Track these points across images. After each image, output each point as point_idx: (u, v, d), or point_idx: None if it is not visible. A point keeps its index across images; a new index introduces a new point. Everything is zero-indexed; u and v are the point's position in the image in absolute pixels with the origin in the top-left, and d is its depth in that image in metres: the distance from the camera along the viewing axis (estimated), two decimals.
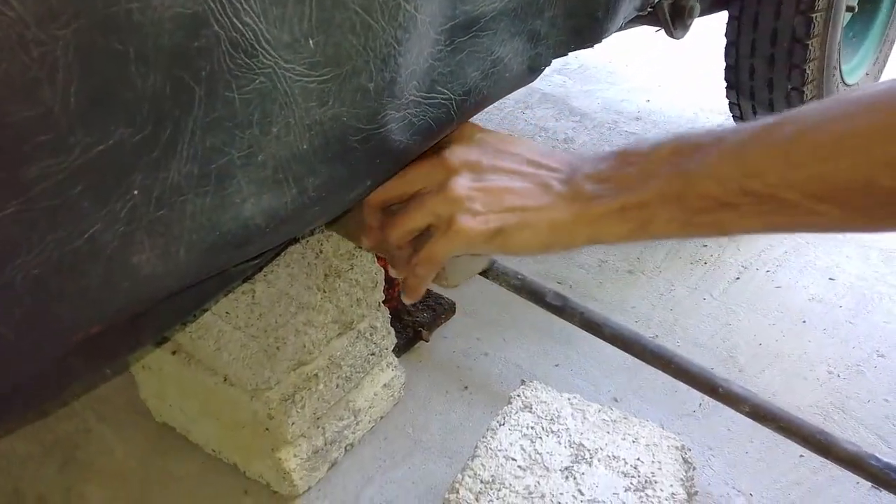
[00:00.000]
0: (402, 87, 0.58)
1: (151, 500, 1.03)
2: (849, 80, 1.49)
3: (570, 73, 1.96)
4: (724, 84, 1.41)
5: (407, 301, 0.76)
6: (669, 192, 0.60)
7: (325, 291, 0.96)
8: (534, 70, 0.74)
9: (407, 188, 0.69)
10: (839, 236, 1.45)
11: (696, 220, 0.60)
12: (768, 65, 1.30)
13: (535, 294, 0.98)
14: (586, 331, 0.98)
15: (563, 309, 0.97)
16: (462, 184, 0.66)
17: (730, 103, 1.45)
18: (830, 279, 1.35)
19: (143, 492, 1.03)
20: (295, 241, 0.94)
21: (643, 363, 0.95)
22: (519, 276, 0.98)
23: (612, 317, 0.97)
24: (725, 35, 1.37)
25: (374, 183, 0.60)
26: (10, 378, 0.47)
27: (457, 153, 0.67)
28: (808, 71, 1.27)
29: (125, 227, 0.46)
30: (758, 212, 0.58)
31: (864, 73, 1.57)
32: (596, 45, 0.85)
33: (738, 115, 1.47)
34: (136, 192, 0.46)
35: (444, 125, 0.63)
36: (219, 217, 0.49)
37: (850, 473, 0.93)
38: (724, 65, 1.38)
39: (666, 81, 1.91)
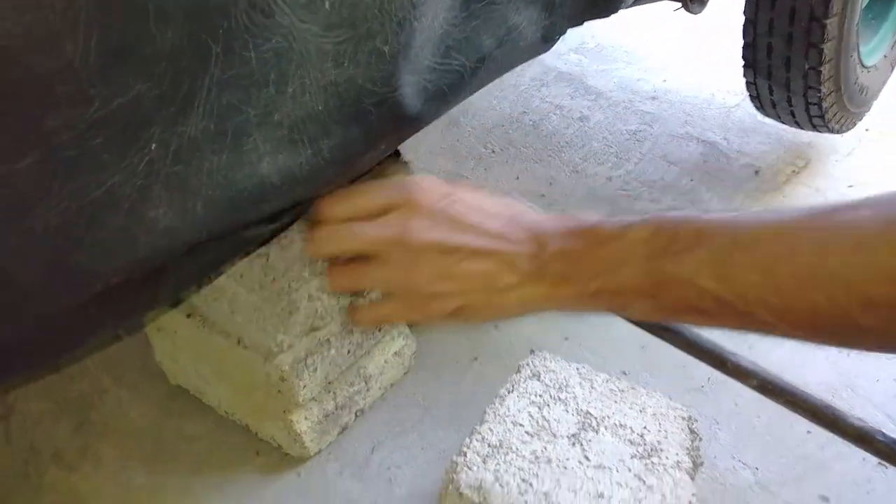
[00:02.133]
0: (417, 51, 0.58)
1: (165, 460, 1.05)
2: (867, 62, 1.48)
3: (586, 51, 1.95)
4: (742, 63, 1.41)
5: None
6: (644, 287, 0.59)
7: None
8: (548, 39, 0.74)
9: (358, 239, 0.68)
10: None
11: (674, 315, 0.61)
12: (786, 44, 1.29)
13: None
14: None
15: None
16: (425, 268, 0.65)
17: (746, 82, 1.44)
18: None
19: (156, 451, 1.06)
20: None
21: (652, 339, 0.96)
22: None
23: None
24: (743, 13, 1.36)
25: (388, 147, 0.61)
26: (32, 326, 0.48)
27: (422, 232, 0.66)
28: (825, 51, 1.26)
29: (143, 181, 0.47)
30: (734, 321, 0.58)
31: (883, 55, 1.56)
32: (612, 18, 0.85)
33: (755, 95, 1.46)
34: (153, 146, 0.47)
35: (458, 91, 0.63)
36: (235, 174, 0.51)
37: (857, 449, 0.94)
38: (741, 43, 1.37)
39: (683, 61, 1.90)
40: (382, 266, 0.69)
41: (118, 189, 0.46)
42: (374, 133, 0.58)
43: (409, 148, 1.59)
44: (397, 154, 0.94)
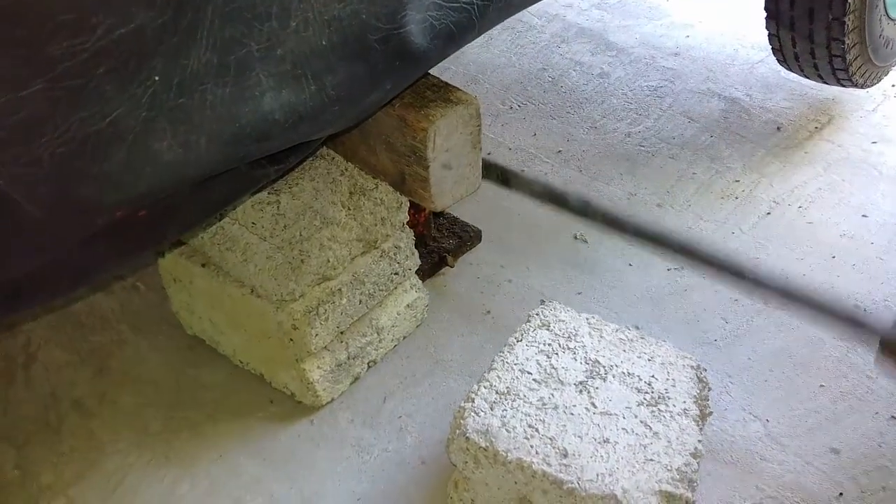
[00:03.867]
0: None
1: (181, 407, 1.07)
2: (893, 14, 1.43)
3: (608, 7, 1.92)
4: (764, 15, 1.37)
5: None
6: None
7: (349, 209, 0.98)
8: None
9: None
10: (875, 173, 1.42)
11: None
12: None
13: (558, 198, 0.99)
14: (612, 227, 0.99)
15: (585, 210, 0.99)
16: None
17: (769, 35, 1.41)
18: (864, 216, 1.33)
19: (172, 399, 1.08)
20: (321, 148, 0.95)
21: (665, 294, 0.96)
22: (541, 182, 0.99)
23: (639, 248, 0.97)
24: None
25: (393, 86, 0.60)
26: (40, 257, 0.49)
27: None
28: (849, 1, 1.23)
29: (147, 113, 0.47)
30: None
31: None
32: None
33: (778, 48, 1.43)
34: (156, 79, 0.47)
35: (466, 31, 0.63)
36: (238, 108, 0.51)
37: (870, 403, 0.93)
38: None
39: (707, 16, 1.86)
40: None
41: (122, 120, 0.47)
42: (379, 71, 0.57)
43: None
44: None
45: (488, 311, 1.19)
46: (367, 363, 1.10)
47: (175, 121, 0.49)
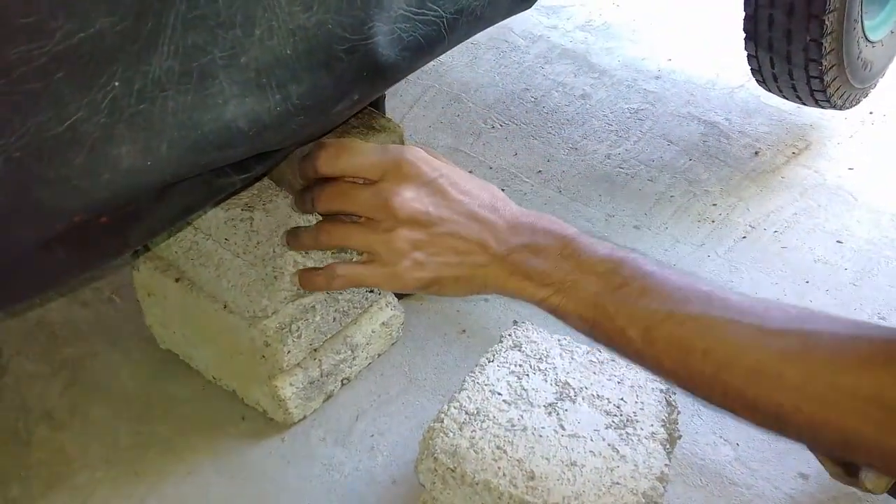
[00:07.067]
0: None
1: (152, 422, 1.05)
2: (871, 37, 1.45)
3: (592, 29, 1.94)
4: (743, 36, 1.39)
5: (303, 287, 0.83)
6: (585, 315, 0.68)
7: None
8: None
9: (348, 203, 0.73)
10: (851, 199, 1.43)
11: (602, 344, 0.69)
12: (787, 15, 1.27)
13: None
14: None
15: None
16: (408, 236, 0.70)
17: (748, 56, 1.42)
18: (838, 241, 1.34)
19: (144, 413, 1.06)
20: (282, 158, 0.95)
21: None
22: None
23: None
24: None
25: (361, 97, 0.60)
26: None
27: (408, 201, 0.70)
28: (827, 22, 1.24)
29: (106, 119, 0.47)
30: (648, 369, 0.68)
31: (890, 30, 1.53)
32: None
33: (757, 69, 1.44)
34: (117, 84, 0.47)
35: (435, 44, 0.63)
36: (200, 116, 0.50)
37: None
38: (742, 15, 1.36)
39: (690, 41, 1.88)
40: (367, 229, 0.73)
41: (81, 126, 0.46)
42: (345, 81, 0.57)
43: (410, 121, 1.60)
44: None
45: (463, 330, 1.19)
46: (341, 381, 1.09)
47: (135, 127, 0.48)
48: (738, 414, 0.63)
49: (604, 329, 0.67)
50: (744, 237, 1.35)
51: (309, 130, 0.60)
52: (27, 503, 0.96)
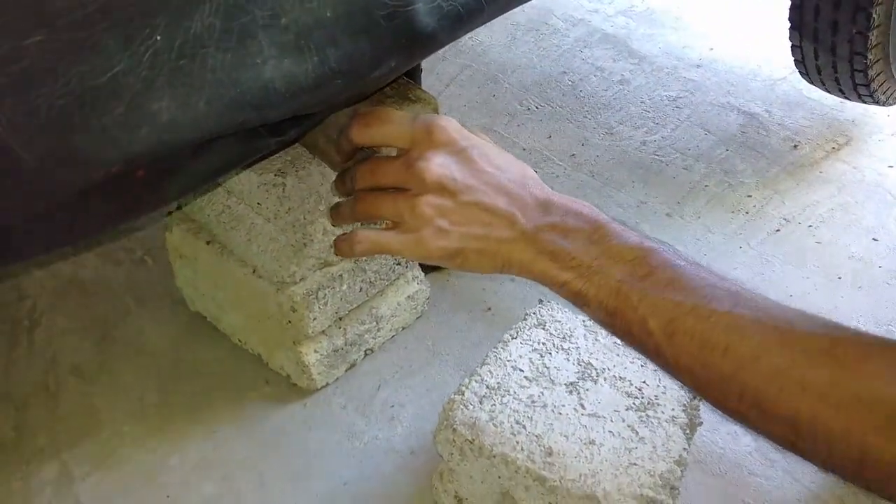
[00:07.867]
0: None
1: (179, 381, 1.08)
2: None
3: (634, 15, 1.91)
4: (788, 25, 1.36)
5: (335, 254, 0.83)
6: (605, 304, 0.66)
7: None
8: None
9: (380, 175, 0.74)
10: (890, 197, 1.40)
11: (620, 336, 0.68)
12: (833, 5, 1.25)
13: None
14: None
15: None
16: (433, 202, 0.69)
17: (792, 46, 1.39)
18: (874, 239, 1.32)
19: (170, 372, 1.08)
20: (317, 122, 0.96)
21: None
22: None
23: None
24: None
25: (398, 64, 0.60)
26: (33, 205, 0.50)
27: (435, 166, 0.69)
28: (874, 15, 1.22)
29: (147, 72, 0.48)
30: (662, 367, 0.67)
31: None
32: None
33: (800, 59, 1.41)
34: (158, 38, 0.47)
35: (475, 14, 0.63)
36: (239, 75, 0.51)
37: None
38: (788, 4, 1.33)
39: (733, 30, 1.85)
40: (396, 196, 0.73)
41: (122, 77, 0.47)
42: (383, 47, 0.58)
43: (445, 99, 1.60)
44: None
45: (489, 308, 1.19)
46: (364, 351, 1.10)
47: (175, 82, 0.49)
48: (749, 422, 0.61)
49: (625, 318, 0.65)
50: (777, 230, 1.34)
51: (345, 95, 0.61)
52: (53, 453, 0.98)
